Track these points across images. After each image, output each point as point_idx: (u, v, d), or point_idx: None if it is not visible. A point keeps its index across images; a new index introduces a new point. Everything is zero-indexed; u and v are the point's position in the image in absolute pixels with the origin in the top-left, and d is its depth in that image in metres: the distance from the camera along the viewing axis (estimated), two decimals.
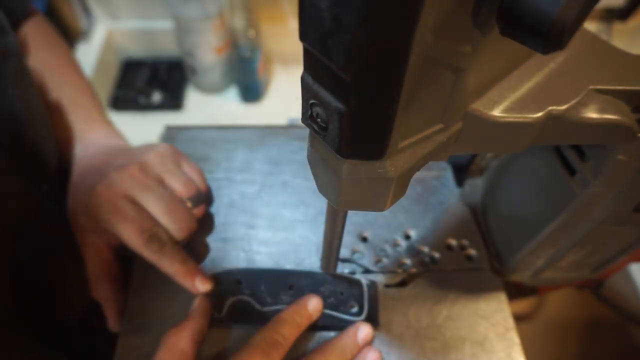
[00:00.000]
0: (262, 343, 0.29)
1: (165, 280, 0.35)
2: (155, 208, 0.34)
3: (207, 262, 0.38)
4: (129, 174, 0.34)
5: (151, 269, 0.34)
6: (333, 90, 0.17)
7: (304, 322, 0.33)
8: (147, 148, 0.37)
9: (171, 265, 0.33)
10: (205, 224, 0.40)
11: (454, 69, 0.17)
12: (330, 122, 0.18)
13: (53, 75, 0.43)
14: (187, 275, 0.34)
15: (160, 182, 0.36)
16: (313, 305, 0.33)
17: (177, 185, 0.36)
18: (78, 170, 0.39)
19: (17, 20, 0.42)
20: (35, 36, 0.44)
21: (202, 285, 0.34)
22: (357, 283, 0.36)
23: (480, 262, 0.39)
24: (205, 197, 0.39)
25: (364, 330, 0.33)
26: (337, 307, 0.35)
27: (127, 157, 0.37)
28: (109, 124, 0.44)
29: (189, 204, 0.36)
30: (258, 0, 0.78)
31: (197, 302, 0.34)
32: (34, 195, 0.36)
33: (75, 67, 0.46)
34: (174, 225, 0.34)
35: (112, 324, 0.35)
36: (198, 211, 0.38)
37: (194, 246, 0.38)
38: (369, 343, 0.33)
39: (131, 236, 0.33)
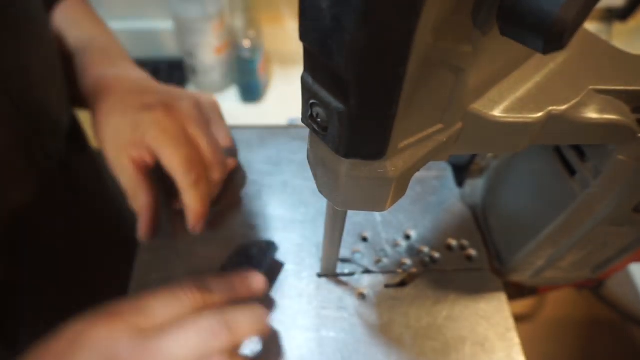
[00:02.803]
0: (188, 296, 0.30)
1: (165, 279, 0.35)
2: (204, 145, 0.36)
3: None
4: (187, 106, 0.36)
5: (151, 268, 0.34)
6: (333, 90, 0.17)
7: (240, 289, 0.32)
8: (194, 93, 0.40)
9: (194, 200, 0.35)
10: (237, 176, 0.43)
11: (454, 69, 0.17)
12: (330, 122, 0.18)
13: (80, 27, 0.44)
14: (197, 216, 0.35)
15: (208, 125, 0.38)
16: (255, 284, 0.33)
17: (220, 133, 0.39)
18: (116, 84, 0.38)
19: None
20: (76, 10, 0.45)
21: (200, 228, 0.36)
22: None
23: (480, 262, 0.39)
24: (235, 151, 0.42)
25: (257, 279, 0.33)
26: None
27: (178, 90, 0.38)
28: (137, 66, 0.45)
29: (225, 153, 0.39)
30: (258, 1, 0.77)
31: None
32: (37, 152, 0.36)
33: (103, 25, 0.47)
34: (215, 165, 0.36)
35: (144, 234, 0.36)
36: (231, 162, 0.40)
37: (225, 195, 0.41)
38: (258, 294, 0.33)
39: (176, 160, 0.34)
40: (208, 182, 0.36)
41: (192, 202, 0.35)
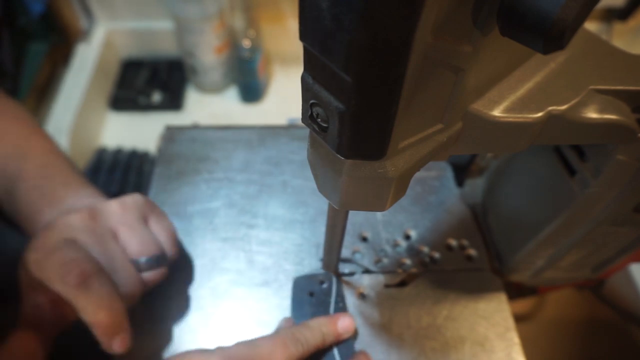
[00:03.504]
0: (286, 335, 0.30)
1: (165, 282, 0.35)
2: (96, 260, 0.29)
3: (207, 261, 0.38)
4: (77, 219, 0.30)
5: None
6: (333, 90, 0.17)
7: (329, 335, 0.32)
8: (117, 199, 0.33)
9: (92, 310, 0.27)
10: (179, 283, 0.36)
11: (454, 69, 0.17)
12: (331, 122, 0.18)
13: (17, 146, 0.38)
14: (107, 329, 0.28)
15: (112, 236, 0.31)
16: (343, 323, 0.33)
17: (132, 243, 0.31)
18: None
19: None
20: None
21: (118, 346, 0.28)
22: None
23: (480, 262, 0.39)
24: (166, 260, 0.33)
25: (345, 320, 0.33)
26: None
27: (81, 206, 0.32)
28: (89, 186, 0.38)
29: (141, 266, 0.32)
30: (258, 1, 0.77)
31: (282, 323, 0.34)
32: None
33: (43, 136, 0.41)
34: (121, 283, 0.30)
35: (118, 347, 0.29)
36: (154, 274, 0.32)
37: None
38: (349, 334, 0.33)
39: (51, 268, 0.27)
40: (102, 280, 0.28)
41: (86, 311, 0.27)
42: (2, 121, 0.39)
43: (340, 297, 0.35)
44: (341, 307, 0.35)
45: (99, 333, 0.28)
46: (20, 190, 0.35)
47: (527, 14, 0.14)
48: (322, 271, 0.37)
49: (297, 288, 0.36)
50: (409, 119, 0.18)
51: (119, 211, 0.32)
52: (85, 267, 0.28)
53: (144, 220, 0.33)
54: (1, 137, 0.38)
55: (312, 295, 0.35)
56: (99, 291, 0.27)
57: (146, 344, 0.34)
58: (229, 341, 0.34)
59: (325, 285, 0.36)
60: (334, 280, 0.36)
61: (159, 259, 0.32)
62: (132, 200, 0.33)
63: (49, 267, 0.28)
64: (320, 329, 0.32)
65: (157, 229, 0.34)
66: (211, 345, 0.34)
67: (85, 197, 0.35)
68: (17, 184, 0.36)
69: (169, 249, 0.34)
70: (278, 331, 0.31)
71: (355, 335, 0.34)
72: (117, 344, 0.28)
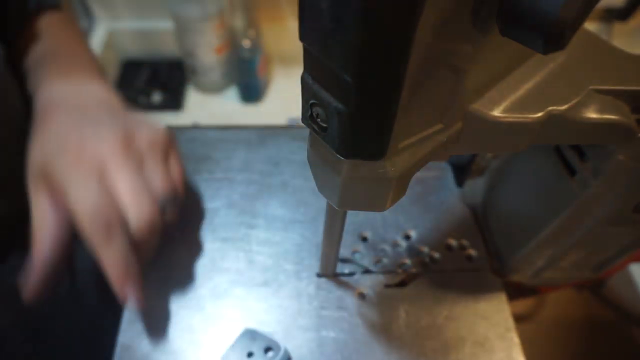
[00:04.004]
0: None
1: (164, 279, 0.35)
2: (123, 191, 0.29)
3: (207, 261, 0.38)
4: (109, 143, 0.29)
5: (150, 268, 0.34)
6: (333, 90, 0.17)
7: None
8: (140, 121, 0.33)
9: (111, 262, 0.28)
10: (179, 282, 0.36)
11: (454, 69, 0.17)
12: (330, 122, 0.18)
13: (48, 38, 0.40)
14: (120, 279, 0.28)
15: (139, 167, 0.31)
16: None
17: (156, 179, 0.31)
18: (42, 112, 0.32)
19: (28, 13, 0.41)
20: (60, 27, 0.42)
21: (130, 295, 0.29)
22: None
23: (480, 262, 0.39)
24: (180, 202, 0.34)
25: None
26: None
27: (111, 116, 0.32)
28: (97, 74, 0.38)
29: (161, 204, 0.32)
30: (258, 0, 0.77)
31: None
32: None
33: (80, 41, 0.43)
34: (136, 217, 0.29)
35: (30, 291, 0.29)
36: (169, 215, 0.32)
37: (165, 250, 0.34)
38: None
39: (82, 210, 0.27)
40: (123, 239, 0.29)
41: (106, 263, 0.28)
42: (55, 28, 0.41)
43: None
44: None
45: (113, 282, 0.29)
46: (41, 70, 0.36)
47: (527, 14, 0.14)
48: (275, 341, 0.33)
49: (243, 338, 0.33)
50: (409, 119, 0.18)
51: (149, 143, 0.32)
52: (111, 217, 0.28)
53: (165, 157, 0.33)
54: (47, 35, 0.40)
55: (249, 356, 0.32)
56: (119, 244, 0.28)
57: (145, 343, 0.34)
58: (229, 341, 0.34)
59: (269, 355, 0.32)
60: (281, 353, 0.32)
61: (175, 200, 0.32)
62: (160, 133, 0.33)
63: (80, 199, 0.27)
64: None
65: (174, 169, 0.34)
66: (212, 345, 0.34)
67: (83, 80, 0.35)
68: (41, 66, 0.37)
69: (180, 191, 0.34)
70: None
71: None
72: (129, 294, 0.29)
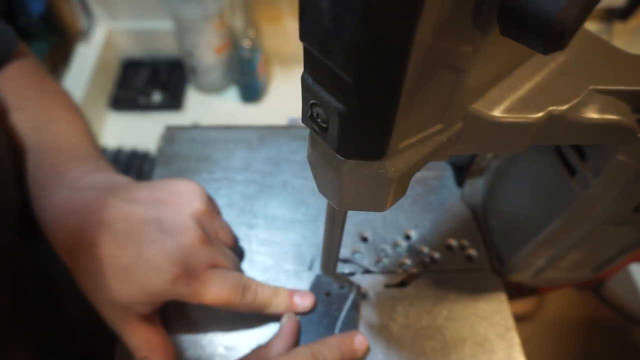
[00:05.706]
0: (305, 355, 0.30)
1: None
2: (227, 264, 0.33)
3: None
4: (193, 236, 0.31)
5: None
6: (333, 91, 0.17)
7: (347, 354, 0.32)
8: (184, 194, 0.33)
9: (271, 302, 0.33)
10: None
11: (454, 69, 0.17)
12: (331, 122, 0.18)
13: (35, 116, 0.37)
14: (288, 300, 0.34)
15: (216, 236, 0.34)
16: (359, 341, 0.33)
17: (226, 238, 0.36)
18: (65, 217, 0.31)
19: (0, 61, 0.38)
20: (21, 76, 0.39)
21: (303, 301, 0.34)
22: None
23: (480, 262, 0.39)
24: (241, 251, 0.39)
25: (360, 337, 0.33)
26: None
27: (168, 185, 0.33)
28: (101, 159, 0.38)
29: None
30: (258, 0, 0.77)
31: (285, 320, 0.34)
32: None
33: (65, 104, 0.41)
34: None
35: None
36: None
37: None
38: (364, 352, 0.33)
39: (221, 296, 0.31)
40: (258, 284, 0.34)
41: (271, 308, 0.34)
42: (28, 91, 0.38)
43: (356, 307, 0.35)
44: (352, 317, 0.35)
45: (286, 310, 0.34)
46: (27, 163, 0.35)
47: (528, 14, 0.14)
48: (348, 277, 0.37)
49: (317, 283, 0.36)
50: (409, 119, 0.18)
51: (208, 213, 0.34)
52: (249, 282, 0.33)
53: (218, 213, 0.37)
54: (24, 109, 0.37)
55: (327, 296, 0.36)
56: (262, 289, 0.33)
57: None
58: (229, 341, 0.34)
59: (344, 290, 0.36)
60: (355, 289, 0.36)
61: (239, 247, 0.38)
62: (205, 196, 0.34)
63: (212, 291, 0.31)
64: (338, 347, 0.32)
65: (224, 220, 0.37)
66: (211, 345, 0.34)
67: (94, 172, 0.35)
68: (26, 157, 0.35)
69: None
70: (297, 351, 0.30)
71: (367, 351, 0.34)
72: (300, 301, 0.34)
